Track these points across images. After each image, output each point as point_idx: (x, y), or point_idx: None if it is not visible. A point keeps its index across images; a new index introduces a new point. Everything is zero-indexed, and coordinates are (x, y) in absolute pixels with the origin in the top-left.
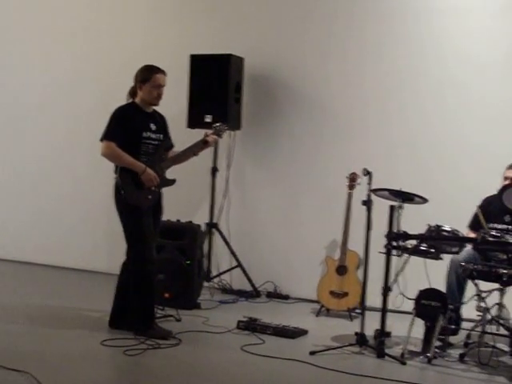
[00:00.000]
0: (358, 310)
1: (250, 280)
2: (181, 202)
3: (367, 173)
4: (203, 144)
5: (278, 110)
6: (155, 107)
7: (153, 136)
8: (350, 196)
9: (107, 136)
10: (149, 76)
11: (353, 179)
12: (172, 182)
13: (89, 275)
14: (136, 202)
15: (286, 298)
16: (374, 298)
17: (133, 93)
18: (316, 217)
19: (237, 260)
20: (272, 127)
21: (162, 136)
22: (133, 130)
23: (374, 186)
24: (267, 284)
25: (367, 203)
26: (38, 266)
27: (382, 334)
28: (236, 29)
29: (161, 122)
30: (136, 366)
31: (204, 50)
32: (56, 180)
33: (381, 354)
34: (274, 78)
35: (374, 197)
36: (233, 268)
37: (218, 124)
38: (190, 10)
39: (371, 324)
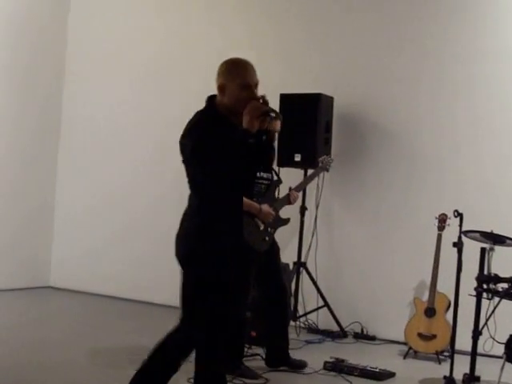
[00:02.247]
0: (446, 353)
1: (336, 320)
2: None
3: (458, 214)
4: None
5: (367, 150)
6: None
7: (264, 176)
8: (439, 237)
9: None
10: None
11: (442, 220)
12: (287, 221)
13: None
14: (253, 244)
15: (373, 338)
16: (462, 341)
17: None
18: (404, 257)
19: (324, 299)
20: (361, 167)
21: (271, 175)
22: None
23: (464, 228)
24: (354, 324)
25: (458, 245)
26: (107, 297)
27: (472, 378)
28: (326, 68)
29: None
30: None
31: (294, 90)
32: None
33: None
34: (363, 117)
35: (464, 238)
36: (319, 308)
37: (322, 157)
38: (279, 50)
39: (460, 368)
